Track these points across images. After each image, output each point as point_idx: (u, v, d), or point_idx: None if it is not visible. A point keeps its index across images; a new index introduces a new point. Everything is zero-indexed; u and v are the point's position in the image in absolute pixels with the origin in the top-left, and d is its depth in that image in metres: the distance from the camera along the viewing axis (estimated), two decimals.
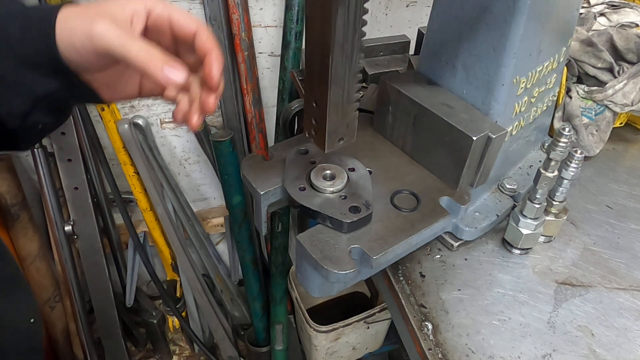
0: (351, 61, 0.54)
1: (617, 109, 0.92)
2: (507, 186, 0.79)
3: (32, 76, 0.47)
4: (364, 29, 0.53)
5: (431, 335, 0.64)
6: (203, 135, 1.48)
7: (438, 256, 0.75)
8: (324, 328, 1.47)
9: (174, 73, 0.45)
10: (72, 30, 0.45)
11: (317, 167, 0.69)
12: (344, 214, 0.62)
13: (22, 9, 0.47)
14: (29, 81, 0.47)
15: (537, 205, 0.70)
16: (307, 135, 0.62)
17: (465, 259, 0.74)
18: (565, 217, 0.75)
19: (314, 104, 0.58)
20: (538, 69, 0.70)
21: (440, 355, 0.62)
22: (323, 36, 0.50)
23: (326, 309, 1.76)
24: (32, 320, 0.56)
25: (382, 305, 1.52)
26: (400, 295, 0.70)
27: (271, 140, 1.51)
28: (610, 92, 0.89)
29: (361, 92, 0.59)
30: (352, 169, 0.69)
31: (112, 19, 0.45)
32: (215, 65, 0.48)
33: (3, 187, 1.29)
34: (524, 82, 0.68)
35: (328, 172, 0.68)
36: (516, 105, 0.70)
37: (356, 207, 0.63)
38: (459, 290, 0.69)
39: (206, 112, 0.51)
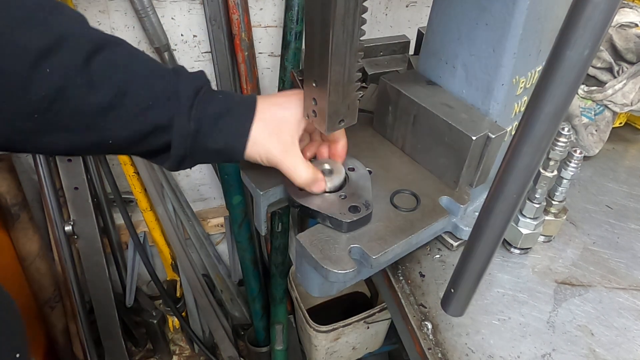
0: (352, 37, 0.52)
1: (617, 109, 0.92)
2: None
3: (203, 153, 0.59)
4: (363, 27, 0.53)
5: (431, 335, 0.64)
6: None
7: (438, 256, 0.75)
8: (324, 328, 1.47)
9: (317, 188, 0.63)
10: (260, 153, 0.59)
11: (319, 166, 0.69)
12: (344, 214, 0.62)
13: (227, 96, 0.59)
14: (198, 155, 0.58)
15: (537, 205, 0.70)
16: (306, 117, 0.61)
17: None
18: (564, 217, 0.75)
19: (314, 84, 0.57)
20: (538, 69, 0.70)
21: (440, 355, 0.62)
22: (323, 10, 0.49)
23: (326, 309, 1.76)
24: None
25: (382, 305, 1.52)
26: (400, 294, 0.70)
27: None
28: (609, 92, 0.89)
29: (362, 83, 0.59)
30: (352, 169, 0.69)
31: (291, 142, 0.60)
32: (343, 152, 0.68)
33: (3, 187, 1.29)
34: (523, 82, 0.68)
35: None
36: (516, 105, 0.70)
37: (356, 207, 0.63)
38: None
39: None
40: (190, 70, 0.58)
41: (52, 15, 0.47)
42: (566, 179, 0.70)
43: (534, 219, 0.71)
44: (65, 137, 0.50)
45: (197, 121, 0.55)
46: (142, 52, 0.55)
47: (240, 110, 0.59)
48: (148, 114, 0.52)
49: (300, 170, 0.60)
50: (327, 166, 0.67)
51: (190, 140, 0.56)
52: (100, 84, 0.49)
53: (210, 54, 1.30)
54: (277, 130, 0.59)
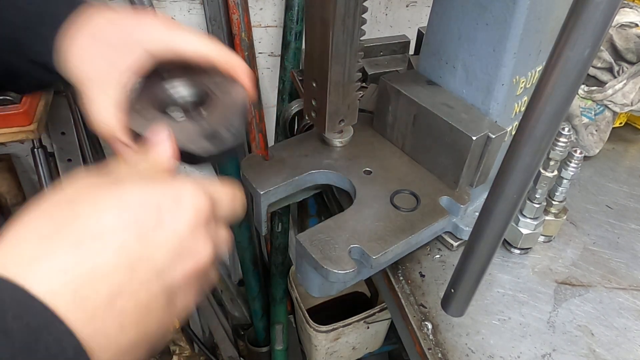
0: (352, 37, 0.52)
1: (617, 109, 0.92)
2: None
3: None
4: (363, 27, 0.53)
5: (431, 335, 0.64)
6: None
7: (438, 256, 0.75)
8: (324, 328, 1.47)
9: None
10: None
11: (168, 84, 0.49)
12: (195, 142, 0.44)
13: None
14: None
15: (537, 205, 0.70)
16: (306, 117, 0.61)
17: None
18: (565, 217, 0.75)
19: (314, 84, 0.57)
20: (538, 69, 0.70)
21: (440, 355, 0.62)
22: (324, 10, 0.49)
23: (326, 309, 1.76)
24: None
25: (382, 305, 1.51)
26: (400, 295, 0.70)
27: (271, 140, 1.51)
28: (610, 92, 0.89)
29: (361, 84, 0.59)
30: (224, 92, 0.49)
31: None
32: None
33: (3, 187, 1.29)
34: (523, 82, 0.68)
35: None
36: (516, 105, 0.70)
37: (215, 134, 0.45)
38: None
39: None
40: None
41: None
42: (566, 179, 0.70)
43: (534, 219, 0.71)
44: None
45: None
46: None
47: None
48: None
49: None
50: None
51: None
52: None
53: None
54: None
